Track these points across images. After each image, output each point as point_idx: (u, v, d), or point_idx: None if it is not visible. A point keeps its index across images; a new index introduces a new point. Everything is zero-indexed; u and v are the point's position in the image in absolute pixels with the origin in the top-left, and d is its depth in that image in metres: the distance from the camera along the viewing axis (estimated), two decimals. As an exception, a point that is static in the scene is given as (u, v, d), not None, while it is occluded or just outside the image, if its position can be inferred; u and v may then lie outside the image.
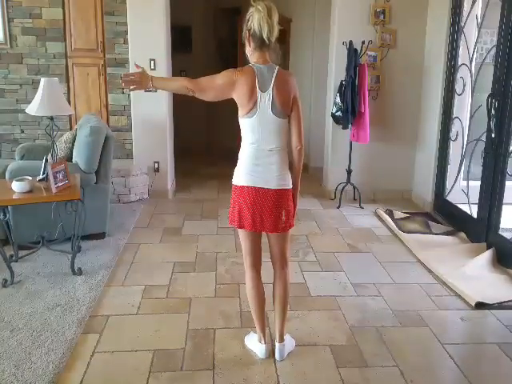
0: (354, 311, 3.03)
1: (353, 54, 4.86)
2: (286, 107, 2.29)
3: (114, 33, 5.21)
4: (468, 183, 4.35)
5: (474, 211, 4.21)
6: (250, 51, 2.33)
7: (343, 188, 5.21)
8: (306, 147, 6.47)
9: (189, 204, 5.18)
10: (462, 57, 4.56)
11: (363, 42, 4.93)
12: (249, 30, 2.26)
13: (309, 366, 2.49)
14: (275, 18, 2.21)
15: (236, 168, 2.41)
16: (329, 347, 2.64)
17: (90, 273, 3.45)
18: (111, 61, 5.30)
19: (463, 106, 4.63)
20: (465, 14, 4.49)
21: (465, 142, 4.51)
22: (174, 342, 2.67)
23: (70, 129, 5.28)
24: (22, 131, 5.45)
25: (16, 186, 3.22)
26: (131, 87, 2.38)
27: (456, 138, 4.63)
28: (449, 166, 4.80)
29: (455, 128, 4.66)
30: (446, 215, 4.74)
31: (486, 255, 3.71)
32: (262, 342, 2.54)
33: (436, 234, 4.35)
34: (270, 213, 2.35)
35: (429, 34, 5.06)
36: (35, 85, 4.97)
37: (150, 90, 4.60)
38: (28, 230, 3.59)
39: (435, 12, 4.92)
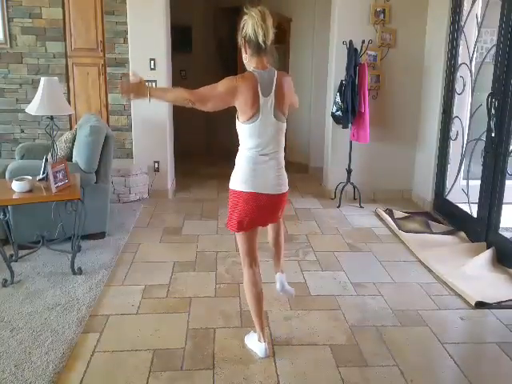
0: (354, 311, 3.03)
1: (353, 53, 4.86)
2: (286, 108, 2.38)
3: (114, 33, 5.22)
4: (468, 183, 4.35)
5: (473, 211, 4.21)
6: (246, 58, 2.34)
7: (343, 188, 5.21)
8: (306, 147, 6.53)
9: (189, 204, 5.18)
10: (462, 56, 4.56)
11: (363, 42, 4.93)
12: (244, 37, 2.27)
13: (309, 366, 2.49)
14: (269, 22, 2.23)
15: (234, 173, 2.43)
16: (329, 347, 2.64)
17: (90, 272, 3.45)
18: (111, 61, 5.30)
19: (463, 106, 4.63)
20: (465, 13, 4.49)
21: (465, 142, 4.51)
22: (174, 341, 2.67)
23: (70, 128, 5.28)
24: (22, 131, 5.45)
25: (16, 185, 3.22)
26: (130, 97, 2.42)
27: (456, 137, 4.63)
28: (449, 166, 4.80)
29: (455, 127, 4.66)
30: (445, 215, 4.74)
31: (486, 255, 3.71)
32: (262, 340, 2.54)
33: (436, 233, 4.35)
34: (272, 213, 2.51)
35: (429, 34, 5.06)
36: (35, 84, 4.97)
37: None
38: (28, 229, 3.59)
39: (435, 11, 4.92)
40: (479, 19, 4.30)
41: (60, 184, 3.28)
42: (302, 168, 6.40)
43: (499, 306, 3.09)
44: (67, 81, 5.33)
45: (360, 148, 5.19)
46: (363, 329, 2.83)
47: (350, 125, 5.00)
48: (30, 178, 3.35)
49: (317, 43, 6.17)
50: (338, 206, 5.12)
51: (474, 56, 4.43)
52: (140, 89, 2.33)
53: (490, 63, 4.05)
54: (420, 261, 3.78)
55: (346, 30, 5.03)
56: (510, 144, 3.71)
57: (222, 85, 2.28)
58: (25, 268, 3.48)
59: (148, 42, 4.97)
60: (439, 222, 4.64)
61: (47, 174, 3.34)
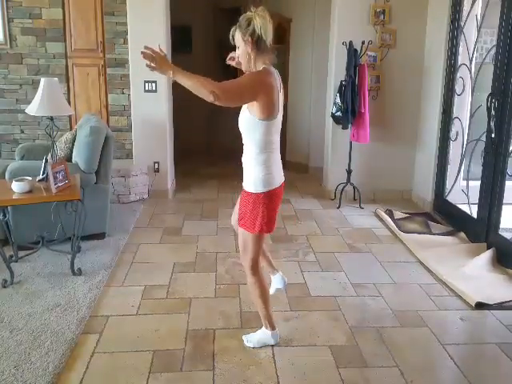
0: (354, 311, 3.03)
1: (353, 53, 4.86)
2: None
3: (114, 33, 5.21)
4: (468, 183, 4.35)
5: (473, 211, 4.21)
6: (253, 56, 2.31)
7: (343, 188, 5.21)
8: (306, 147, 6.52)
9: (189, 204, 5.18)
10: (462, 56, 4.56)
11: (363, 42, 4.93)
12: (251, 35, 2.25)
13: (309, 366, 2.49)
14: (271, 23, 2.29)
15: (262, 176, 2.35)
16: (329, 347, 2.64)
17: (90, 273, 3.45)
18: (111, 61, 5.30)
19: (463, 106, 4.63)
20: (465, 13, 4.49)
21: (465, 142, 4.51)
22: (174, 342, 2.67)
23: (70, 129, 5.28)
24: (22, 131, 5.45)
25: (16, 186, 3.22)
26: (151, 65, 2.21)
27: (456, 137, 4.63)
28: (449, 166, 4.80)
29: (455, 128, 4.66)
30: (445, 215, 4.74)
31: (486, 255, 3.71)
32: (273, 329, 2.63)
33: (436, 234, 4.35)
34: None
35: (429, 34, 5.06)
36: (35, 85, 4.97)
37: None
38: (28, 230, 3.59)
39: (435, 12, 4.92)
40: (479, 19, 4.30)
41: (60, 184, 3.28)
42: (301, 168, 6.39)
43: (499, 306, 3.09)
44: (67, 81, 5.33)
45: (360, 148, 5.19)
46: (363, 329, 2.83)
47: (349, 125, 5.00)
48: (29, 178, 3.35)
49: (317, 43, 6.17)
50: (338, 207, 5.12)
51: (474, 56, 4.43)
52: (163, 62, 2.23)
53: (490, 63, 4.04)
54: (420, 261, 3.78)
55: (346, 31, 5.03)
56: (510, 144, 3.70)
57: (251, 80, 2.28)
58: (24, 268, 3.48)
59: (148, 43, 4.89)
60: (439, 223, 4.64)
61: (47, 175, 3.34)
